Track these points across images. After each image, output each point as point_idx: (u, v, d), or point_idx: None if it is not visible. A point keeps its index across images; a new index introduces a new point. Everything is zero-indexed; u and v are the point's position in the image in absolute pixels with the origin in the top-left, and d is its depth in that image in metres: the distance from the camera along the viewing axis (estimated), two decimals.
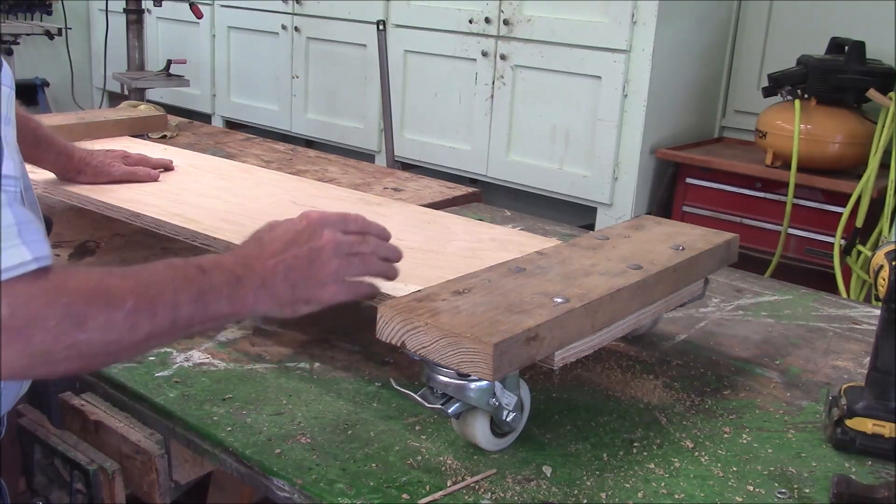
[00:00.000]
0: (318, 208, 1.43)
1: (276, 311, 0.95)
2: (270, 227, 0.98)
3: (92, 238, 1.58)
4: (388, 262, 1.05)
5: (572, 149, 3.23)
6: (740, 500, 0.91)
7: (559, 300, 0.96)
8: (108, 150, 1.59)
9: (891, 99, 2.69)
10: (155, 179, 1.56)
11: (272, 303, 0.93)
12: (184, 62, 3.79)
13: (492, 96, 3.40)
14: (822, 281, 2.73)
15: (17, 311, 0.75)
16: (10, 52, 4.29)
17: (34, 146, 1.42)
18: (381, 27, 3.23)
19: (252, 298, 0.91)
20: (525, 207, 3.06)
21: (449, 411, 0.94)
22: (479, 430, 0.96)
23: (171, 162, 1.64)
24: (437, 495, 0.89)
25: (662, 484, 0.93)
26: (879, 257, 1.04)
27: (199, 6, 3.77)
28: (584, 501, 0.89)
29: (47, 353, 0.76)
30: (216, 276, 0.89)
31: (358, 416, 1.04)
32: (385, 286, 1.07)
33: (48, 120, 1.99)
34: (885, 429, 0.98)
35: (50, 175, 1.49)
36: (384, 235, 1.05)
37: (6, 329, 0.74)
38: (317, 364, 1.18)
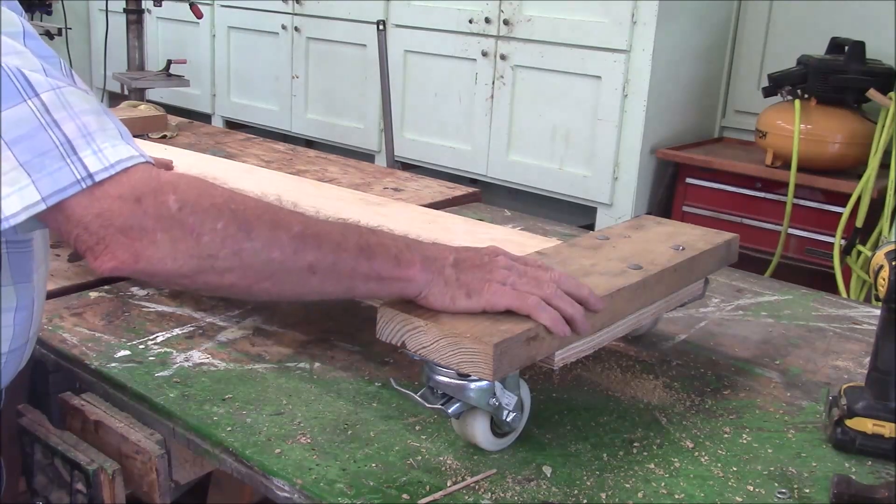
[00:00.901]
0: (318, 208, 1.43)
1: (438, 292, 0.91)
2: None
3: None
4: (571, 308, 0.94)
5: (572, 149, 3.24)
6: (740, 500, 0.91)
7: None
8: None
9: (891, 99, 2.69)
10: None
11: (437, 281, 0.91)
12: (184, 62, 3.78)
13: (492, 96, 3.40)
14: (822, 281, 2.73)
15: (186, 206, 0.77)
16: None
17: None
18: (381, 27, 3.23)
19: (418, 268, 0.90)
20: (525, 207, 3.06)
21: (449, 411, 0.94)
22: (479, 430, 0.96)
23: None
24: (437, 495, 0.89)
25: (662, 484, 0.93)
26: (879, 257, 1.04)
27: (199, 6, 3.77)
28: (584, 501, 0.89)
29: (213, 256, 0.78)
30: (386, 237, 0.91)
31: (358, 416, 1.04)
32: None
33: None
34: (885, 429, 0.98)
35: None
36: (568, 281, 0.97)
37: (176, 223, 0.76)
38: (317, 364, 1.18)
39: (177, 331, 1.25)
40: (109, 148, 0.77)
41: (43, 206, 0.74)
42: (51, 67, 0.80)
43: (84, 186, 0.75)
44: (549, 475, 0.94)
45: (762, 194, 2.97)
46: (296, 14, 4.02)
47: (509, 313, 0.92)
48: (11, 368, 0.98)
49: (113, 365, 1.13)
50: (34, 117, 0.75)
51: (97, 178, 0.75)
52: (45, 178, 0.74)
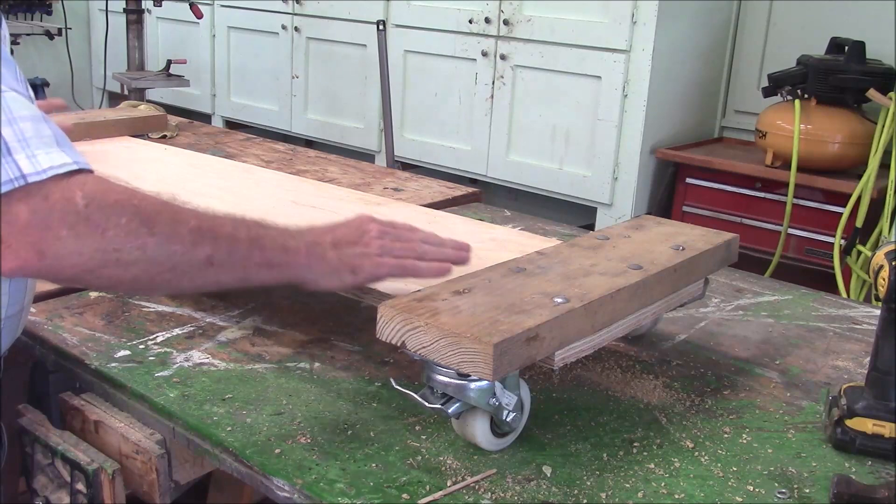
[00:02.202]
0: (318, 208, 1.43)
1: (324, 276, 0.98)
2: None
3: None
4: (444, 256, 1.07)
5: (572, 149, 3.24)
6: (740, 500, 0.91)
7: (559, 300, 0.96)
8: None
9: (891, 99, 2.69)
10: None
11: (321, 265, 0.97)
12: (184, 62, 3.79)
13: (492, 96, 3.40)
14: (822, 281, 2.73)
15: (92, 203, 0.79)
16: (10, 52, 4.29)
17: None
18: (381, 27, 3.23)
19: (304, 255, 0.96)
20: (525, 207, 3.06)
21: (449, 411, 0.94)
22: (479, 430, 0.96)
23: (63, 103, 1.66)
24: (437, 495, 0.89)
25: (662, 484, 0.93)
26: (879, 257, 1.04)
27: (199, 6, 3.77)
28: (584, 501, 0.89)
29: (119, 250, 0.81)
30: (271, 228, 0.95)
31: (358, 416, 1.04)
32: (385, 286, 1.06)
33: None
34: (885, 429, 0.98)
35: None
36: (435, 237, 1.08)
37: (82, 219, 0.79)
38: (317, 364, 1.18)
39: (177, 331, 1.25)
40: (43, 154, 0.79)
41: None
42: (6, 71, 0.84)
43: (16, 185, 0.78)
44: (549, 475, 0.94)
45: (762, 194, 2.97)
46: (296, 14, 4.02)
47: (509, 312, 0.92)
48: (9, 336, 1.00)
49: (113, 365, 1.13)
50: None
51: (29, 180, 0.78)
52: None
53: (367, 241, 1.01)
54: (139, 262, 0.83)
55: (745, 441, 1.02)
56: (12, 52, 4.34)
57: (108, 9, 4.09)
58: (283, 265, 0.95)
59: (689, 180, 3.13)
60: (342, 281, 0.99)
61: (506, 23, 3.30)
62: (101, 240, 0.80)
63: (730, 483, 0.94)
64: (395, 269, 1.02)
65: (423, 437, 1.00)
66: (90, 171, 0.83)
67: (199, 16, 3.79)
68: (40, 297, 1.29)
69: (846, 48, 2.83)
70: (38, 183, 0.78)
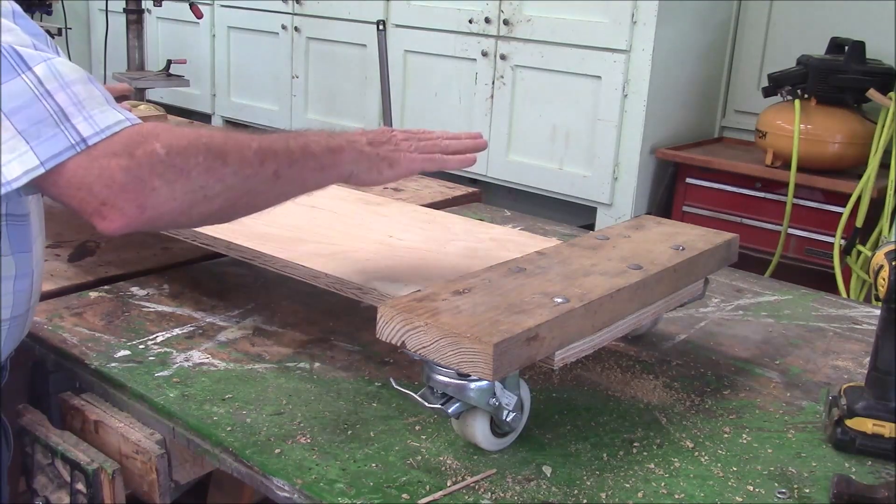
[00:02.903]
0: (318, 208, 1.43)
1: (366, 170, 1.04)
2: None
3: (92, 238, 1.58)
4: (464, 144, 1.14)
5: (572, 149, 3.23)
6: (740, 500, 0.91)
7: (559, 300, 0.96)
8: None
9: (891, 99, 2.69)
10: None
11: (363, 159, 1.04)
12: (184, 62, 3.78)
13: (492, 96, 3.40)
14: (822, 281, 2.73)
15: (171, 150, 0.84)
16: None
17: None
18: (381, 27, 3.23)
19: (346, 152, 1.02)
20: (525, 207, 3.06)
21: (449, 411, 0.94)
22: (479, 430, 0.96)
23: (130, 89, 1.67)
24: (437, 495, 0.89)
25: (662, 484, 0.93)
26: (879, 257, 1.04)
27: (199, 6, 3.76)
28: (584, 501, 0.89)
29: (204, 187, 0.87)
30: (311, 133, 1.02)
31: (358, 416, 1.04)
32: (385, 286, 1.07)
33: None
34: (885, 429, 0.98)
35: None
36: (452, 133, 1.16)
37: (168, 167, 0.84)
38: (317, 364, 1.18)
39: (177, 331, 1.25)
40: (99, 114, 0.83)
41: (42, 170, 0.81)
42: (40, 43, 0.86)
43: (78, 150, 0.81)
44: (549, 475, 0.94)
45: (762, 194, 2.97)
46: (296, 14, 4.02)
47: (509, 312, 0.92)
48: (14, 337, 1.01)
49: (113, 365, 1.13)
50: (29, 89, 0.81)
51: (90, 143, 0.82)
52: (42, 144, 0.80)
53: (396, 142, 1.08)
54: (222, 193, 0.89)
55: (745, 441, 1.02)
56: None
57: (108, 9, 4.09)
58: (332, 165, 1.01)
59: (689, 180, 3.13)
60: (381, 174, 1.06)
61: (506, 23, 3.30)
62: (188, 181, 0.85)
63: (730, 483, 0.94)
64: (426, 163, 1.09)
65: (423, 437, 1.00)
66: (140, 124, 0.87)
67: (199, 16, 3.78)
68: (40, 297, 1.29)
69: (846, 48, 2.83)
70: (111, 141, 0.82)
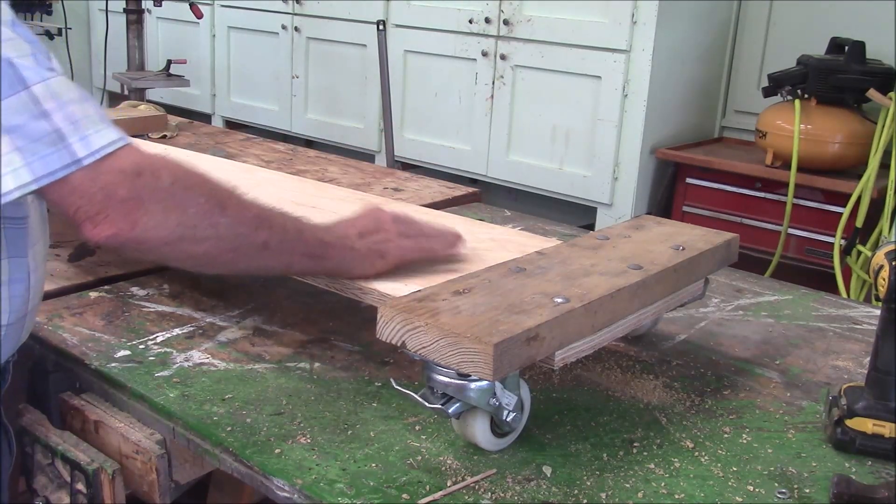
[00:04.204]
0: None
1: (357, 264, 1.07)
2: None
3: None
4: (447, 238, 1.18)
5: (572, 149, 3.24)
6: (740, 500, 0.91)
7: (559, 300, 0.96)
8: None
9: (891, 99, 2.69)
10: None
11: (353, 255, 1.07)
12: (184, 62, 3.78)
13: (492, 96, 3.40)
14: (822, 281, 2.73)
15: (177, 182, 0.89)
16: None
17: None
18: (381, 27, 3.23)
19: (338, 248, 1.06)
20: (525, 207, 3.06)
21: (449, 411, 0.94)
22: (479, 430, 0.96)
23: None
24: (437, 495, 0.89)
25: (662, 484, 0.93)
26: (879, 257, 1.04)
27: (199, 6, 3.77)
28: (584, 501, 0.89)
29: (196, 226, 0.90)
30: (308, 224, 1.04)
31: (358, 416, 1.04)
32: (385, 286, 1.07)
33: None
34: (885, 429, 0.98)
35: None
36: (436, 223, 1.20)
37: (169, 196, 0.88)
38: (317, 364, 1.18)
39: (177, 331, 1.25)
40: (94, 134, 0.86)
41: (35, 186, 0.84)
42: (38, 52, 0.87)
43: (72, 170, 0.84)
44: (549, 475, 0.94)
45: (762, 194, 2.97)
46: (296, 14, 4.02)
47: (509, 312, 0.92)
48: (11, 342, 1.01)
49: (113, 365, 1.13)
50: (27, 108, 0.83)
51: (84, 163, 0.85)
52: (36, 161, 0.83)
53: (387, 228, 1.10)
54: (210, 239, 0.92)
55: (745, 441, 1.02)
56: None
57: (108, 9, 4.09)
58: (321, 257, 1.05)
59: (689, 180, 3.13)
60: (374, 266, 1.08)
61: (506, 23, 3.30)
62: (183, 215, 0.89)
63: (730, 483, 0.94)
64: (416, 250, 1.12)
65: (423, 437, 1.00)
66: (131, 145, 0.89)
67: (199, 16, 3.78)
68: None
69: (846, 48, 2.83)
70: (120, 159, 0.86)
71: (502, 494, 0.90)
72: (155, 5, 3.70)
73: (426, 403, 0.94)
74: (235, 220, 0.94)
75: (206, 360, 1.17)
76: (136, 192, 0.86)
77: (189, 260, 0.96)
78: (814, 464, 0.98)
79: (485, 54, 3.38)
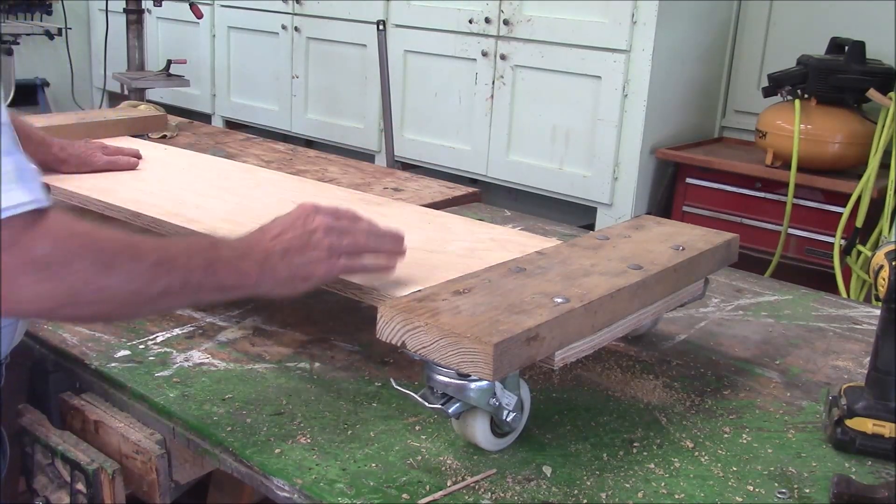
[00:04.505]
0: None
1: (277, 288, 1.00)
2: (272, 220, 1.05)
3: None
4: (387, 248, 1.10)
5: (572, 149, 3.24)
6: (740, 500, 0.91)
7: (559, 300, 0.96)
8: (85, 141, 1.65)
9: (891, 99, 2.69)
10: (134, 167, 1.61)
11: (273, 280, 0.99)
12: (184, 62, 3.79)
13: (492, 96, 3.40)
14: (822, 281, 2.73)
15: (53, 251, 0.81)
16: (10, 52, 4.30)
17: None
18: (381, 27, 3.23)
19: (255, 274, 0.98)
20: (525, 207, 3.06)
21: (449, 411, 0.94)
22: (479, 430, 0.96)
23: (139, 152, 1.68)
24: (437, 495, 0.89)
25: (662, 484, 0.93)
26: (879, 257, 1.04)
27: (199, 6, 3.77)
28: (584, 501, 0.89)
29: (77, 294, 0.84)
30: (224, 250, 0.98)
31: (358, 416, 1.04)
32: (385, 287, 1.06)
33: (48, 120, 1.99)
34: (885, 429, 0.98)
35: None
36: (377, 228, 1.10)
37: (42, 268, 0.81)
38: (317, 364, 1.18)
39: (177, 331, 1.25)
40: (2, 194, 0.79)
41: None
42: None
43: None
44: (549, 475, 0.94)
45: (762, 194, 2.97)
46: (296, 14, 4.02)
47: (509, 312, 0.92)
48: (5, 343, 1.00)
49: (113, 365, 1.13)
50: None
51: None
52: None
53: (316, 243, 1.02)
54: (97, 302, 0.86)
55: (745, 441, 1.02)
56: (11, 51, 4.34)
57: (108, 9, 4.09)
58: (235, 287, 0.98)
59: (689, 180, 3.13)
60: (295, 289, 1.02)
61: (506, 23, 3.30)
62: (61, 285, 0.82)
63: (730, 483, 0.94)
64: (346, 270, 1.06)
65: (423, 437, 1.00)
66: (47, 209, 0.82)
67: (199, 16, 3.78)
68: None
69: (846, 48, 2.83)
70: (9, 223, 0.78)
71: (502, 494, 0.90)
72: (155, 5, 3.71)
73: (426, 403, 0.94)
74: (126, 279, 0.86)
75: (206, 360, 1.17)
76: (7, 267, 0.79)
77: (80, 320, 0.93)
78: (814, 464, 0.98)
79: (485, 54, 3.38)
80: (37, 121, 1.92)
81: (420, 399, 0.95)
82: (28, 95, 4.65)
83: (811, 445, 1.02)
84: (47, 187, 1.13)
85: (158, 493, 1.06)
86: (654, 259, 1.12)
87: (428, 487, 0.90)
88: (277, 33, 4.11)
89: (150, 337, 1.22)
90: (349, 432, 1.00)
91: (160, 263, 0.90)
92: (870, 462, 0.99)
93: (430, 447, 0.98)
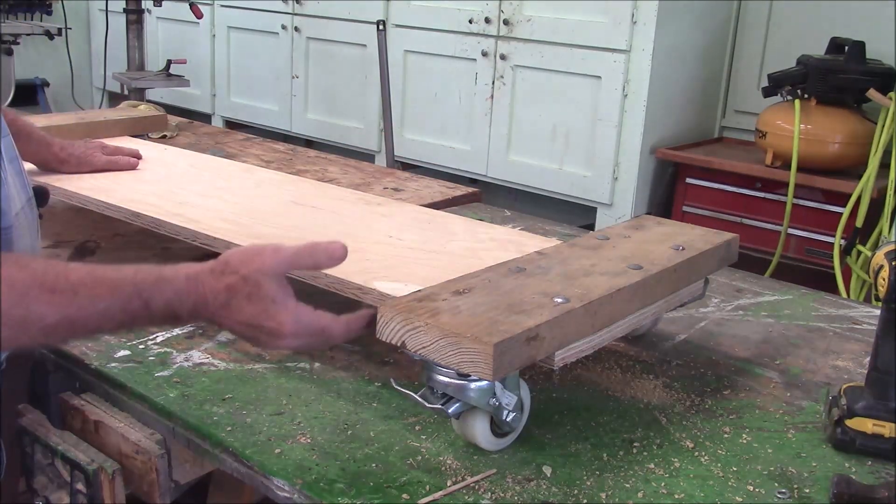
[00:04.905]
0: (319, 208, 1.43)
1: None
2: (252, 287, 0.89)
3: (92, 238, 1.58)
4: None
5: (572, 149, 3.24)
6: (740, 500, 0.91)
7: (559, 300, 0.96)
8: (86, 141, 1.65)
9: (891, 99, 2.69)
10: (134, 167, 1.61)
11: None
12: (184, 62, 3.79)
13: (492, 96, 3.40)
14: (822, 281, 2.73)
15: None
16: (10, 52, 4.30)
17: (14, 137, 1.44)
18: (381, 27, 3.23)
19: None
20: (525, 207, 3.06)
21: (449, 411, 0.94)
22: (479, 430, 0.96)
23: (139, 151, 1.67)
24: (437, 495, 0.89)
25: (662, 484, 0.93)
26: (879, 257, 1.04)
27: (199, 6, 3.77)
28: (584, 501, 0.89)
29: None
30: (158, 311, 0.87)
31: (358, 416, 1.04)
32: (385, 286, 1.07)
33: (48, 120, 1.99)
34: (885, 429, 0.98)
35: (32, 167, 1.51)
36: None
37: None
38: (317, 364, 1.18)
39: (176, 331, 1.25)
40: None
41: None
42: None
43: None
44: (549, 475, 0.94)
45: (762, 194, 2.97)
46: (296, 14, 4.02)
47: (509, 312, 0.92)
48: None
49: (113, 365, 1.13)
50: None
51: None
52: None
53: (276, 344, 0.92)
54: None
55: (745, 441, 1.02)
56: (11, 51, 4.34)
57: (108, 9, 4.09)
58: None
59: (689, 180, 3.13)
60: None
61: (506, 23, 3.30)
62: None
63: (730, 483, 0.94)
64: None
65: (423, 437, 1.00)
66: None
67: (199, 16, 3.78)
68: None
69: (846, 48, 2.83)
70: None
71: (502, 494, 0.90)
72: (155, 5, 3.71)
73: (426, 403, 0.94)
74: (12, 337, 0.80)
75: (206, 360, 1.17)
76: None
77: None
78: (814, 464, 0.98)
79: (485, 54, 3.38)
80: (37, 121, 1.92)
81: (420, 399, 0.95)
82: (28, 95, 4.65)
83: (811, 445, 1.02)
84: (44, 193, 1.13)
85: (158, 493, 1.06)
86: (654, 259, 1.12)
87: (428, 487, 0.90)
88: (277, 33, 4.11)
89: (150, 337, 1.22)
90: (349, 432, 1.00)
91: (60, 325, 0.82)
92: (870, 462, 0.99)
93: (430, 447, 0.98)
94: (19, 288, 0.80)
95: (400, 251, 1.24)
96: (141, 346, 1.19)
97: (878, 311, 1.03)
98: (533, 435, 1.01)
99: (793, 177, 2.79)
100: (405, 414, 1.05)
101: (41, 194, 1.12)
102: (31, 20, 4.69)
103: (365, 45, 3.74)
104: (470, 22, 3.40)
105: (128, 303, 0.85)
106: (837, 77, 2.79)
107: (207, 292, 0.89)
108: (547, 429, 1.03)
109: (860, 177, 2.71)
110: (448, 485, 0.91)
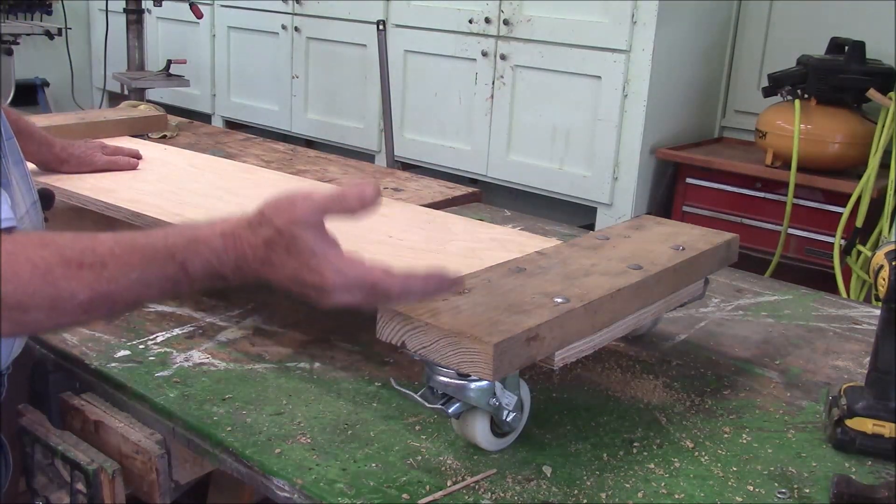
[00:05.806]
0: None
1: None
2: (289, 240, 0.85)
3: None
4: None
5: (572, 149, 3.24)
6: (740, 500, 0.91)
7: (559, 300, 0.96)
8: (86, 141, 1.65)
9: (891, 99, 2.69)
10: (134, 167, 1.61)
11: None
12: (184, 62, 3.79)
13: (492, 96, 3.40)
14: (822, 281, 2.73)
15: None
16: (10, 52, 4.30)
17: (15, 136, 1.44)
18: (381, 27, 3.23)
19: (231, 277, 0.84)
20: (525, 207, 3.06)
21: (449, 411, 0.94)
22: (479, 430, 0.96)
23: (139, 151, 1.68)
24: (437, 495, 0.89)
25: (662, 484, 0.93)
26: (879, 257, 1.04)
27: (199, 6, 3.77)
28: (584, 501, 0.89)
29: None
30: (198, 273, 0.82)
31: (358, 416, 1.04)
32: None
33: (48, 120, 1.99)
34: (885, 429, 0.98)
35: (34, 167, 1.51)
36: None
37: None
38: (317, 364, 1.18)
39: (177, 331, 1.25)
40: None
41: None
42: None
43: None
44: (549, 475, 0.94)
45: (762, 194, 2.97)
46: (296, 14, 4.02)
47: (509, 312, 0.92)
48: (6, 353, 1.00)
49: (113, 365, 1.13)
50: None
51: None
52: None
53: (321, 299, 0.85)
54: (18, 333, 0.81)
55: (745, 441, 1.02)
56: (11, 51, 4.34)
57: (108, 9, 4.09)
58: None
59: (689, 180, 3.13)
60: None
61: (506, 23, 3.30)
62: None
63: (730, 483, 0.94)
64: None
65: (423, 437, 1.00)
66: None
67: (199, 16, 3.79)
68: None
69: (846, 48, 2.84)
70: None
71: (502, 494, 0.90)
72: (155, 5, 3.71)
73: (426, 403, 0.94)
74: (47, 317, 0.77)
75: (206, 360, 1.17)
76: None
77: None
78: (814, 464, 0.98)
79: (485, 54, 3.38)
80: (37, 121, 1.92)
81: (420, 399, 0.95)
82: (28, 95, 4.66)
83: (811, 445, 1.02)
84: (50, 195, 1.13)
85: (158, 493, 1.06)
86: (654, 259, 1.12)
87: (428, 487, 0.90)
88: (277, 33, 4.11)
89: (150, 337, 1.22)
90: (349, 432, 1.00)
91: (94, 300, 0.79)
92: (870, 462, 0.99)
93: (430, 447, 0.98)
94: (43, 267, 0.76)
95: (400, 251, 1.24)
96: (141, 346, 1.19)
97: (878, 311, 1.03)
98: (533, 435, 1.01)
99: (793, 177, 2.79)
100: (405, 414, 1.05)
101: (47, 197, 1.12)
102: (31, 20, 4.69)
103: (365, 45, 3.74)
104: (470, 22, 3.40)
105: (163, 268, 0.80)
106: (837, 77, 2.80)
107: (247, 248, 0.83)
108: (547, 429, 1.03)
109: (860, 177, 2.71)
110: (448, 485, 0.91)
